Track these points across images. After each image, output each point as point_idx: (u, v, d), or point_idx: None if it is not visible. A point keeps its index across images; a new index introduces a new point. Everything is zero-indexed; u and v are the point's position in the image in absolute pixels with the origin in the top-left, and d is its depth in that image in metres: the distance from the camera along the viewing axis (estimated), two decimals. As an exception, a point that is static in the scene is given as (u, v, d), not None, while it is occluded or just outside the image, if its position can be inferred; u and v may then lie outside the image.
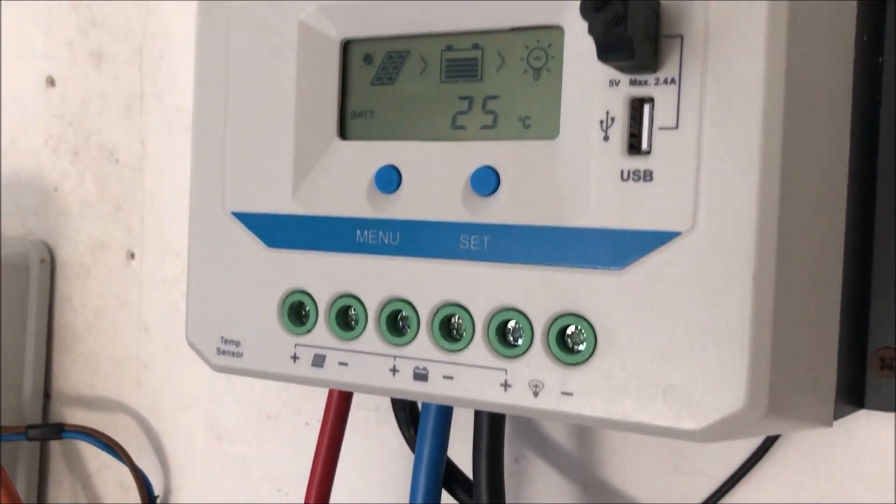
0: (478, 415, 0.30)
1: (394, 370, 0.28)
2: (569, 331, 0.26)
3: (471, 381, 0.27)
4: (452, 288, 0.27)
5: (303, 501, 0.39)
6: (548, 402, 0.26)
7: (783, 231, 0.23)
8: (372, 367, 0.28)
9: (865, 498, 0.30)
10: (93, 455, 0.46)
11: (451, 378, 0.27)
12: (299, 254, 0.29)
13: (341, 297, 0.29)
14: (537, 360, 0.26)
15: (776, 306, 0.23)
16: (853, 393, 0.30)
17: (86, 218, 0.46)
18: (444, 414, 0.31)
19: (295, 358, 0.29)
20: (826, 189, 0.26)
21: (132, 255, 0.44)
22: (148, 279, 0.44)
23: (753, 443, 0.32)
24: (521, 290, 0.26)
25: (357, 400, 0.39)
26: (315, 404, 0.40)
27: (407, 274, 0.27)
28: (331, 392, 0.32)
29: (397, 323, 0.28)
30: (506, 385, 0.26)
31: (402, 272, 0.28)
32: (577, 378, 0.25)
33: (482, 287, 0.26)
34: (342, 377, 0.28)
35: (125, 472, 0.44)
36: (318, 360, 0.29)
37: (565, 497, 0.35)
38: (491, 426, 0.30)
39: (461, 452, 0.33)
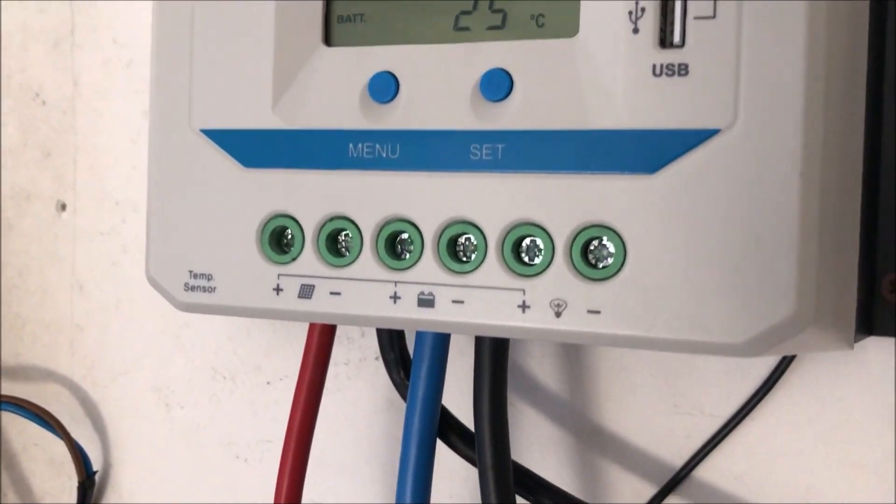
0: (479, 350, 0.27)
1: (395, 297, 0.25)
2: (594, 244, 0.23)
3: (484, 304, 0.24)
4: (462, 204, 0.24)
5: (276, 462, 0.36)
6: (573, 322, 0.23)
7: (827, 126, 0.22)
8: (370, 295, 0.25)
9: (876, 429, 0.29)
10: (18, 430, 0.41)
11: (461, 302, 0.24)
12: (281, 173, 0.26)
13: (332, 219, 0.26)
14: (559, 278, 0.24)
15: (822, 207, 0.22)
16: (862, 319, 0.29)
17: (8, 167, 0.41)
18: (441, 352, 0.28)
19: (278, 290, 0.26)
20: (856, 86, 0.25)
21: (63, 206, 0.40)
22: (82, 232, 0.40)
23: (756, 379, 0.30)
24: (541, 202, 0.24)
25: (324, 355, 0.36)
26: (277, 361, 0.36)
27: (409, 190, 0.25)
28: (310, 334, 0.29)
29: (397, 246, 0.25)
30: (524, 306, 0.24)
31: (402, 189, 0.25)
32: (605, 294, 0.23)
33: (496, 201, 0.24)
34: (335, 308, 0.26)
35: (57, 447, 0.40)
36: (306, 291, 0.26)
37: (556, 446, 0.33)
38: (493, 360, 0.27)
39: (453, 404, 0.30)
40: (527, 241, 0.24)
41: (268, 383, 0.37)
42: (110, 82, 0.39)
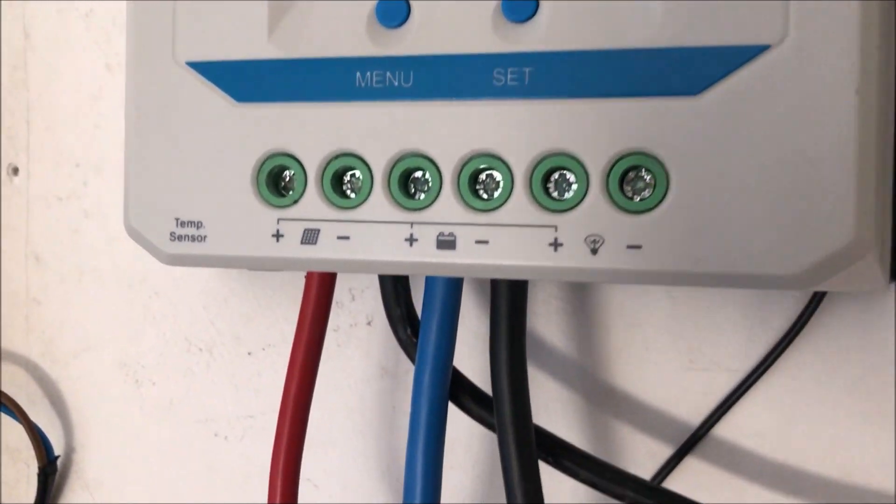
0: (496, 299, 0.25)
1: (411, 239, 0.23)
2: (632, 174, 0.22)
3: (511, 243, 0.22)
4: (484, 135, 0.22)
5: (259, 438, 0.34)
6: (611, 259, 0.22)
7: (881, 39, 0.21)
8: (382, 238, 0.23)
9: (900, 377, 0.28)
10: (-33, 418, 0.38)
11: (485, 242, 0.22)
12: (279, 107, 0.24)
13: (338, 157, 0.23)
14: (595, 211, 0.22)
15: (878, 127, 0.20)
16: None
17: (-50, 130, 0.38)
18: (453, 305, 0.26)
19: (278, 236, 0.24)
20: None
21: (15, 170, 0.37)
22: (38, 197, 0.36)
23: (775, 331, 0.29)
24: (573, 130, 0.22)
25: (309, 322, 0.33)
26: (259, 329, 0.34)
27: (424, 123, 0.23)
28: (307, 289, 0.27)
29: (411, 185, 0.23)
30: (556, 244, 0.22)
31: (417, 121, 0.23)
32: (646, 227, 0.21)
33: (523, 130, 0.22)
34: (343, 254, 0.23)
35: (12, 433, 0.37)
36: (310, 236, 0.24)
37: (565, 408, 0.31)
38: (511, 310, 0.25)
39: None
40: (555, 174, 0.22)
41: (249, 354, 0.34)
42: (67, 34, 0.36)
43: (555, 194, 0.22)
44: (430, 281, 0.26)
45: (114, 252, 0.35)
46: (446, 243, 0.23)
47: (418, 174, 0.23)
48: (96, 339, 0.36)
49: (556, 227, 0.22)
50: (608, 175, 0.22)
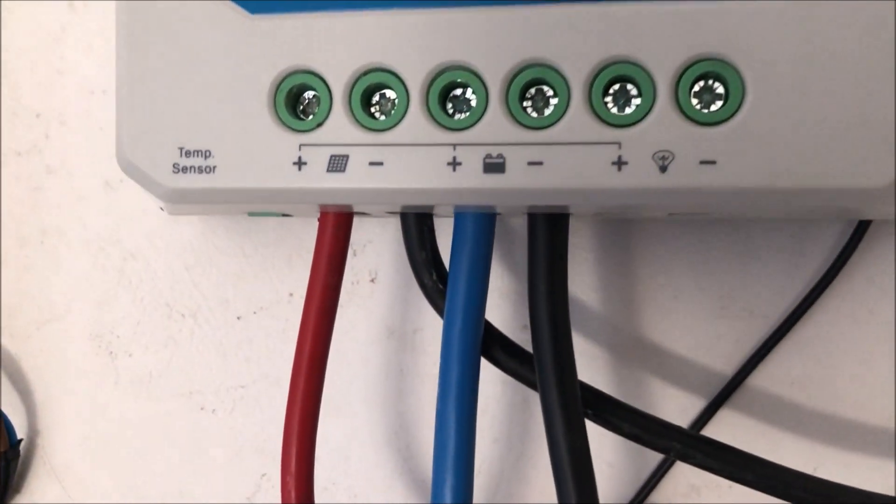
0: (534, 235, 0.23)
1: (454, 163, 0.21)
2: (702, 83, 0.20)
3: (569, 163, 0.20)
4: (538, 42, 0.20)
5: (250, 411, 0.31)
6: (682, 176, 0.20)
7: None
8: (421, 162, 0.21)
9: (941, 316, 0.27)
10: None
11: (538, 164, 0.20)
12: (300, 19, 0.21)
13: (367, 73, 0.21)
14: (664, 124, 0.20)
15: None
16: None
17: None
18: (486, 245, 0.24)
19: (300, 164, 0.21)
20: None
21: (-35, 123, 0.33)
22: (-9, 152, 0.33)
23: (810, 273, 0.28)
24: (638, 34, 0.20)
25: (299, 280, 0.31)
26: (250, 291, 0.31)
27: (467, 31, 0.20)
28: (321, 231, 0.24)
29: (452, 103, 0.21)
30: (620, 162, 0.20)
31: (459, 30, 0.20)
32: (721, 140, 0.19)
33: (582, 36, 0.20)
34: (377, 181, 0.21)
35: (-35, 417, 0.33)
36: (338, 163, 0.21)
37: (590, 363, 0.29)
38: (551, 245, 0.23)
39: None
40: (615, 86, 0.20)
41: (238, 318, 0.31)
42: (22, -30, 0.32)
43: (614, 109, 0.20)
44: (460, 219, 0.24)
45: (81, 211, 0.32)
46: (494, 166, 0.20)
47: (458, 92, 0.21)
48: (63, 308, 0.32)
49: (619, 144, 0.20)
50: (678, 83, 0.20)
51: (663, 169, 0.20)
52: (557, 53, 0.20)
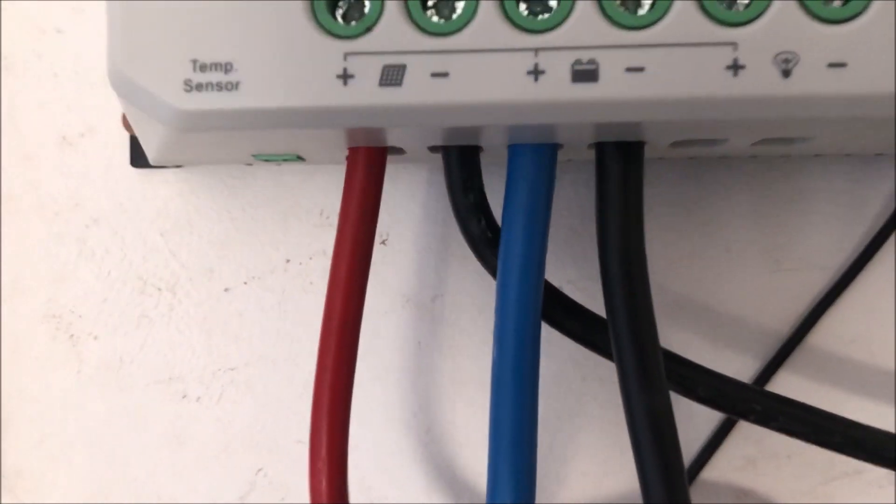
0: (604, 172, 0.20)
1: (535, 71, 0.17)
2: (827, -27, 0.17)
3: (673, 67, 0.17)
4: (632, -73, 0.17)
5: (241, 398, 0.27)
6: (808, 81, 0.17)
7: None
8: (496, 71, 0.17)
9: None
10: None
11: (639, 70, 0.17)
12: None
13: (428, -35, 0.17)
14: (785, 22, 0.17)
15: None
16: None
17: None
18: (548, 181, 0.20)
19: (345, 77, 0.17)
20: None
21: None
22: (-82, 104, 0.27)
23: (870, 220, 0.25)
24: (750, -83, 0.17)
25: (296, 245, 0.27)
26: (239, 257, 0.27)
27: (548, -86, 0.17)
28: (350, 172, 0.20)
29: (529, 1, 0.17)
30: (735, 66, 0.17)
31: (538, -87, 0.17)
32: (850, 40, 0.17)
33: (684, -80, 0.17)
34: (441, 95, 0.17)
35: None
36: (392, 75, 0.17)
37: (633, 327, 0.26)
38: (625, 182, 0.20)
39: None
40: (723, -20, 0.17)
41: (226, 290, 0.27)
42: None
43: (726, 5, 0.17)
44: (516, 153, 0.20)
45: (32, 171, 0.27)
46: (585, 73, 0.17)
47: (535, -11, 0.17)
48: (12, 286, 0.27)
49: (734, 45, 0.17)
50: (799, -26, 0.17)
51: (786, 73, 0.17)
52: (659, -61, 0.17)
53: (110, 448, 0.27)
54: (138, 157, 0.27)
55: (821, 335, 0.26)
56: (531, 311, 0.20)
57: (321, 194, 0.27)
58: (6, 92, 0.27)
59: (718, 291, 0.26)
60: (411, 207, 0.27)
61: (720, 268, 0.26)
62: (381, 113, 0.17)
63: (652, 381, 0.20)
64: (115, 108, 0.27)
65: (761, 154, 0.23)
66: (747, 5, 0.17)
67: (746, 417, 0.22)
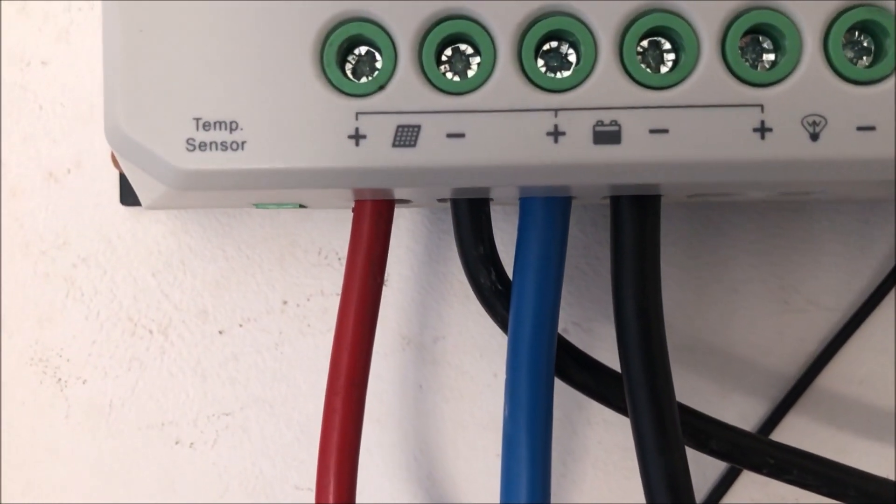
0: (619, 224, 0.19)
1: (556, 132, 0.17)
2: (859, 33, 0.16)
3: (698, 130, 0.16)
4: (656, -17, 0.16)
5: (237, 443, 0.26)
6: (837, 144, 0.16)
7: None
8: (514, 132, 0.16)
9: None
10: None
11: (663, 132, 0.16)
12: (353, -47, 0.17)
13: (444, 20, 0.17)
14: (814, 83, 0.16)
15: None
16: None
17: None
18: (562, 234, 0.20)
19: (357, 137, 0.17)
20: None
21: None
22: None
23: (880, 260, 0.25)
24: (779, -28, 0.16)
25: (294, 285, 0.26)
26: (234, 298, 0.26)
27: (569, -31, 0.16)
28: (357, 223, 0.20)
29: (549, 57, 0.17)
30: (763, 129, 0.16)
31: (558, -33, 0.16)
32: (878, 103, 0.16)
33: (710, -24, 0.16)
34: (456, 157, 0.17)
35: None
36: (407, 135, 0.17)
37: (639, 369, 0.25)
38: (642, 236, 0.19)
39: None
40: (751, 37, 0.17)
41: (220, 333, 0.26)
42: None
43: (748, 61, 0.17)
44: (528, 206, 0.20)
45: (16, 208, 0.26)
46: (607, 135, 0.16)
47: (552, 44, 0.17)
48: (-5, 327, 0.26)
49: (761, 107, 0.16)
50: (827, 34, 0.16)
51: (814, 137, 0.16)
52: (684, -4, 0.16)
53: (100, 496, 0.26)
54: (128, 195, 0.26)
55: (830, 377, 0.25)
56: (544, 367, 0.20)
57: (319, 233, 0.26)
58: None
59: (726, 332, 0.25)
60: (412, 246, 0.26)
61: (728, 308, 0.25)
62: (394, 174, 0.17)
63: (668, 440, 0.19)
64: (103, 143, 0.26)
65: (773, 201, 0.23)
66: (774, 64, 0.16)
67: (760, 471, 0.21)
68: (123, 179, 0.26)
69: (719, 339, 0.25)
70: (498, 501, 0.26)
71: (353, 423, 0.19)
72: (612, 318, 0.25)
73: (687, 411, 0.22)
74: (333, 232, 0.26)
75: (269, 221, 0.26)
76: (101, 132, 0.26)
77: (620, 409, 0.21)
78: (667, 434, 0.19)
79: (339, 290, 0.26)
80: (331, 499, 0.19)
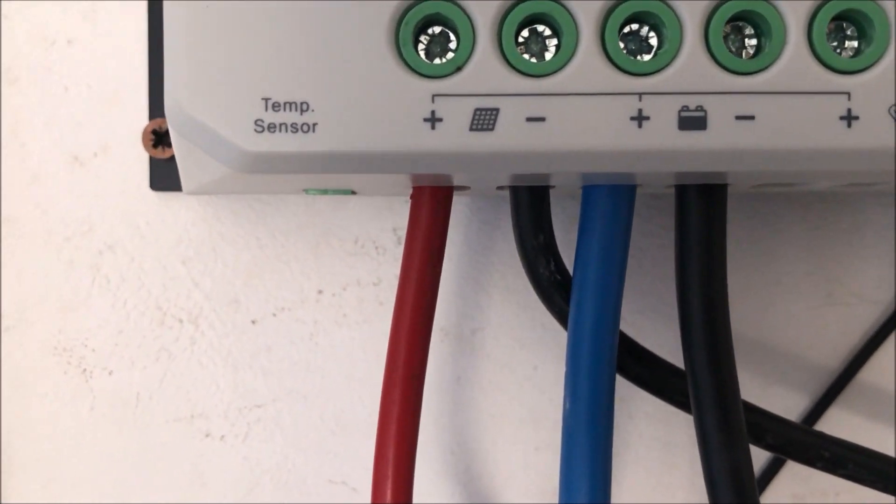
0: (685, 217, 0.19)
1: (640, 117, 0.16)
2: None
3: (784, 117, 0.16)
4: (744, -35, 0.16)
5: (269, 436, 0.25)
6: (927, 133, 0.16)
7: None
8: (596, 116, 0.16)
9: None
10: None
11: (749, 118, 0.16)
12: (431, -72, 0.16)
13: (525, 0, 0.16)
14: (903, 70, 0.16)
15: None
16: None
17: None
18: (626, 225, 0.19)
19: (433, 120, 0.16)
20: None
21: None
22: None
23: (920, 251, 0.25)
24: (868, -42, 0.16)
25: (329, 274, 0.25)
26: (265, 288, 0.25)
27: (655, -51, 0.16)
28: (415, 210, 0.19)
29: (631, 41, 0.16)
30: (849, 117, 0.16)
31: (643, -53, 0.16)
32: (970, 91, 0.16)
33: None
34: (536, 142, 0.16)
35: None
36: (484, 119, 0.16)
37: (681, 362, 0.25)
38: (708, 229, 0.19)
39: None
40: (834, 23, 0.16)
41: (253, 323, 0.25)
42: None
43: (836, 48, 0.16)
44: (592, 193, 0.19)
45: (40, 193, 0.25)
46: (693, 121, 0.16)
47: (634, 27, 0.16)
48: (18, 316, 0.25)
49: (848, 95, 0.16)
50: (916, 21, 0.16)
51: (903, 125, 0.16)
52: (773, -21, 0.16)
53: (125, 491, 0.25)
54: (159, 179, 0.25)
55: (872, 370, 0.25)
56: (606, 361, 0.19)
57: (355, 221, 0.25)
58: (8, 107, 0.25)
59: (769, 325, 0.25)
60: (451, 235, 0.25)
61: (771, 300, 0.25)
62: (471, 159, 0.16)
63: (733, 437, 0.19)
64: (131, 125, 0.25)
65: (821, 192, 0.23)
66: (858, 52, 0.16)
67: (814, 465, 0.21)
68: (154, 163, 0.25)
69: (762, 331, 0.25)
70: (536, 500, 0.25)
71: (411, 417, 0.19)
72: (655, 311, 0.25)
73: (744, 405, 0.21)
74: (370, 220, 0.25)
75: (304, 209, 0.25)
76: (129, 114, 0.25)
77: (678, 404, 0.21)
78: (731, 431, 0.19)
79: (376, 280, 0.25)
80: (388, 497, 0.18)
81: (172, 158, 0.23)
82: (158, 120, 0.25)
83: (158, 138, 0.25)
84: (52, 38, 0.25)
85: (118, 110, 0.25)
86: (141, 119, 0.25)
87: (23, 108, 0.25)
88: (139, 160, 0.25)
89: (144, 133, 0.25)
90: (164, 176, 0.25)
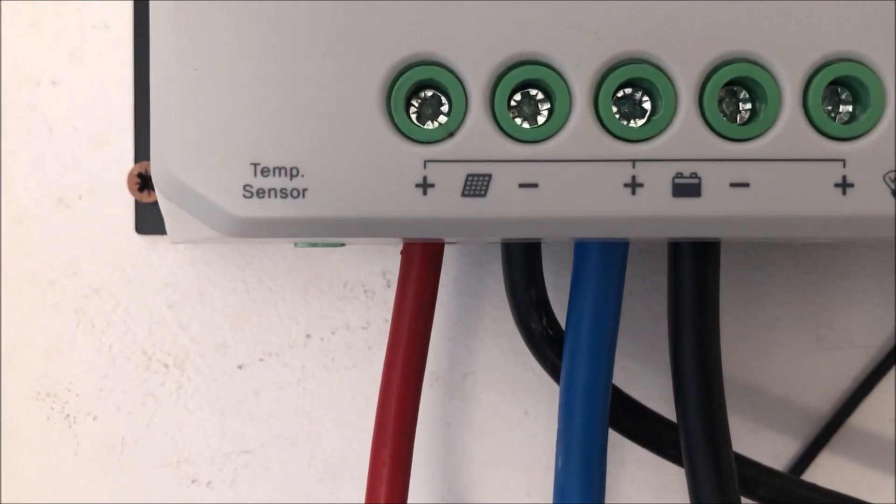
0: (679, 273, 0.19)
1: (633, 184, 0.16)
2: (940, 86, 0.16)
3: (778, 184, 0.16)
4: (745, 35, 0.16)
5: (256, 482, 0.25)
6: (922, 201, 0.16)
7: None
8: (590, 182, 0.16)
9: None
10: None
11: (743, 185, 0.16)
12: (425, -8, 0.16)
13: (518, 64, 0.16)
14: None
15: None
16: None
17: None
18: (618, 279, 0.19)
19: (425, 186, 0.16)
20: None
21: None
22: None
23: (911, 295, 0.25)
24: (862, 25, 0.16)
25: (318, 318, 0.25)
26: (252, 333, 0.25)
27: (655, 18, 0.16)
28: (406, 266, 0.19)
29: (625, 104, 0.16)
30: (844, 185, 0.16)
31: (642, 14, 0.16)
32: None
33: (800, 31, 0.16)
34: (529, 208, 0.16)
35: None
36: (476, 185, 0.16)
37: (671, 404, 0.25)
38: (701, 286, 0.19)
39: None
40: (829, 88, 0.16)
41: (240, 367, 0.25)
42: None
43: (831, 113, 0.16)
44: (584, 250, 0.19)
45: (24, 235, 0.25)
46: (687, 187, 0.16)
47: (628, 91, 0.16)
48: (1, 360, 0.25)
49: (843, 162, 0.16)
50: (911, 88, 0.16)
51: (897, 192, 0.16)
52: (770, 48, 0.16)
53: (112, 536, 0.25)
54: (144, 223, 0.25)
55: (863, 415, 0.25)
56: (599, 418, 0.19)
57: (344, 265, 0.25)
58: (15, 145, 0.25)
59: (760, 369, 0.25)
60: (441, 279, 0.25)
61: (763, 345, 0.25)
62: (464, 225, 0.16)
63: (725, 491, 0.19)
64: (117, 167, 0.25)
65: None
66: (853, 117, 0.16)
67: (806, 519, 0.21)
68: (140, 206, 0.25)
69: (753, 376, 0.25)
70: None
71: (401, 477, 0.19)
72: (646, 355, 0.25)
73: (737, 459, 0.21)
74: (359, 264, 0.25)
75: (293, 253, 0.25)
76: (114, 157, 0.25)
77: (671, 458, 0.21)
78: (724, 486, 0.19)
79: (365, 324, 0.25)
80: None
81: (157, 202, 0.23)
82: (144, 163, 0.24)
83: (144, 182, 0.24)
84: (38, 78, 0.25)
85: (104, 153, 0.25)
86: (126, 161, 0.25)
87: (7, 150, 0.25)
88: (125, 203, 0.25)
89: (130, 176, 0.24)
90: (149, 219, 0.25)
